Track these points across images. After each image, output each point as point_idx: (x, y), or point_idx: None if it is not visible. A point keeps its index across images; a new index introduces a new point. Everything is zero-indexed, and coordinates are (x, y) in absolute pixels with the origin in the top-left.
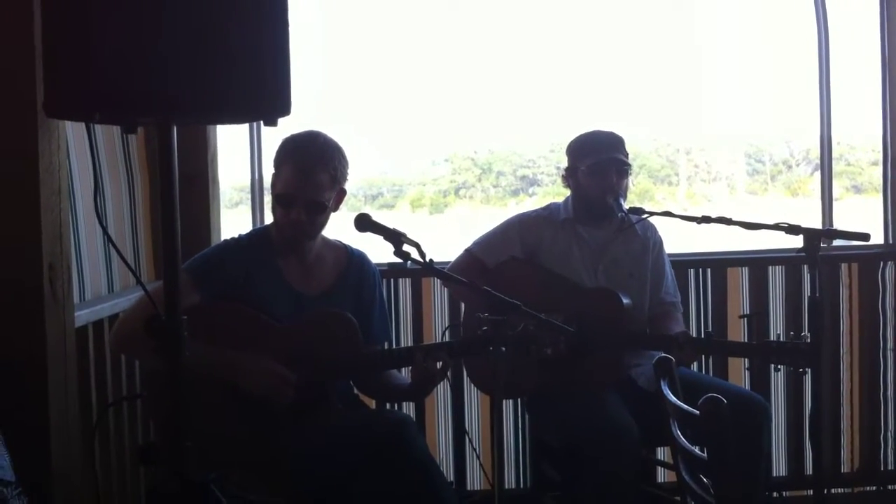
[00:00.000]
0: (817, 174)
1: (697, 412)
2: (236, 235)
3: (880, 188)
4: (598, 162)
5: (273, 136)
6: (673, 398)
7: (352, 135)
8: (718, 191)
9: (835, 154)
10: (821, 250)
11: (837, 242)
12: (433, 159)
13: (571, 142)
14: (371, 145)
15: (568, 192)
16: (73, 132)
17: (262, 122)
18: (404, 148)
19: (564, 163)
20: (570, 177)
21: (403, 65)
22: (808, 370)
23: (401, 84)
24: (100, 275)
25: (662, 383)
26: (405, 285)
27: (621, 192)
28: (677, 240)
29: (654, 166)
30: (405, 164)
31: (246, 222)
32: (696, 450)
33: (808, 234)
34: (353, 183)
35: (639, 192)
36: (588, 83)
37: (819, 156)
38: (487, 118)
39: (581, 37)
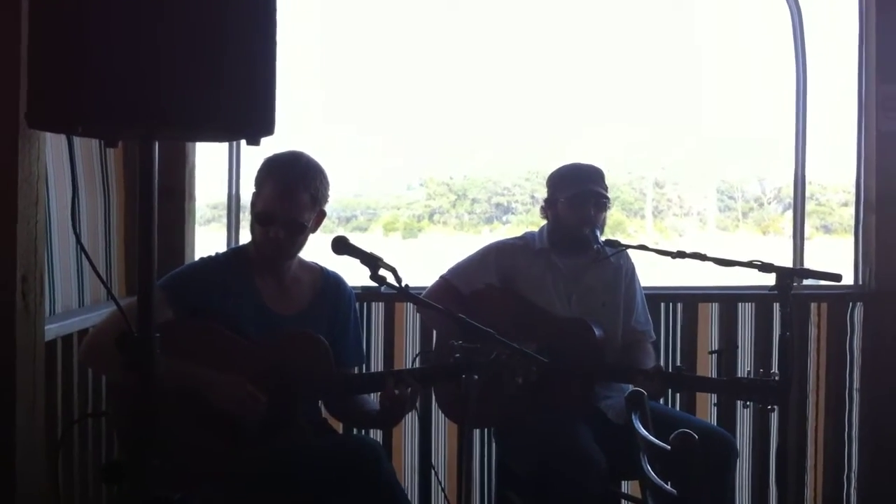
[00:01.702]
0: (788, 213)
1: (669, 447)
2: (213, 253)
3: (850, 229)
4: (577, 194)
5: (251, 155)
6: (644, 432)
7: (330, 154)
8: (690, 225)
9: (806, 194)
10: (792, 289)
11: (808, 282)
12: (408, 183)
13: (552, 173)
14: (347, 167)
15: (543, 222)
16: (50, 144)
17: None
18: (380, 171)
19: (540, 192)
20: (549, 208)
21: (382, 89)
22: (776, 409)
23: (379, 107)
24: (71, 289)
25: (634, 417)
26: (378, 309)
27: (598, 225)
28: (648, 273)
29: (627, 199)
30: (380, 188)
31: (219, 240)
32: (666, 485)
33: (781, 272)
34: (327, 205)
35: (611, 225)
36: (564, 113)
37: (792, 195)
38: (464, 144)
39: (556, 68)
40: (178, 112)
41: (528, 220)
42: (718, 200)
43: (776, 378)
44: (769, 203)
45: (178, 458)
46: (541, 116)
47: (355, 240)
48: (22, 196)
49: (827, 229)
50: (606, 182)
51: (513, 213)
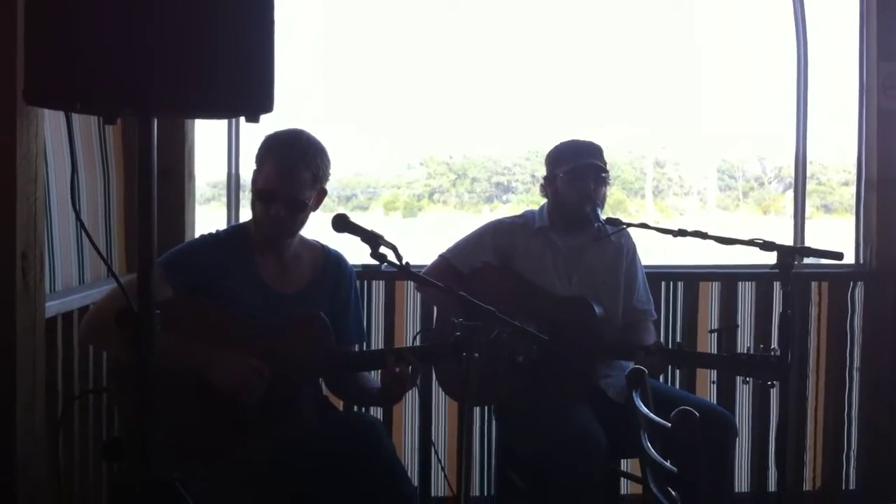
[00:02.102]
0: (789, 192)
1: (669, 424)
2: (213, 231)
3: (850, 208)
4: (576, 167)
5: (250, 133)
6: (645, 410)
7: (330, 134)
8: (690, 205)
9: (807, 173)
10: (793, 268)
11: (808, 261)
12: (409, 163)
13: (550, 150)
14: (347, 146)
15: (543, 201)
16: (49, 121)
17: (242, 118)
18: (380, 150)
19: (540, 171)
20: (548, 185)
21: (383, 68)
22: (776, 384)
23: (379, 86)
24: (71, 266)
25: (634, 394)
26: (378, 287)
27: (598, 200)
28: (649, 252)
29: (628, 178)
30: (380, 167)
31: (218, 218)
32: (666, 462)
33: (783, 250)
34: (328, 183)
35: (612, 204)
36: (565, 92)
37: (793, 174)
38: (464, 123)
39: (557, 47)
40: (177, 88)
41: (528, 200)
42: (719, 180)
43: (776, 354)
44: (770, 183)
45: (178, 436)
46: (542, 98)
47: (356, 218)
48: (21, 173)
49: (827, 209)
50: (606, 160)
51: (513, 193)
